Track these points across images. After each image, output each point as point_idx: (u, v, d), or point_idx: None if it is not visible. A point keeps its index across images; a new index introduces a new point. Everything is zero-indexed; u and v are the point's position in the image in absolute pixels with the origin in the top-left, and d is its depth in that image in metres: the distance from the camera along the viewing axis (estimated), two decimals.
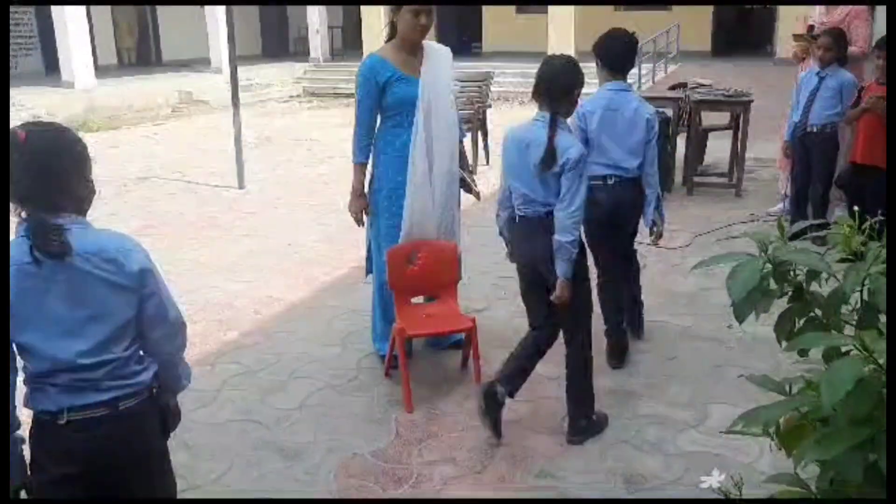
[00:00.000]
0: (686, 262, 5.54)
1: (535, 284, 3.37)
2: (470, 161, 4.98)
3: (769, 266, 1.24)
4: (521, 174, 3.21)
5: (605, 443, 3.30)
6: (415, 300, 4.06)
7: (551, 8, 18.43)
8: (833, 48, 5.75)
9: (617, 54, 3.98)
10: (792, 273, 1.28)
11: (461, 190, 4.06)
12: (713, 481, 1.30)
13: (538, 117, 3.19)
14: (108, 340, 1.89)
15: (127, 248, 1.91)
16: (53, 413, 1.86)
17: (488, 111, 9.52)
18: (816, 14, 6.57)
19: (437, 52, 3.82)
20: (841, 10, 6.31)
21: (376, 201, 3.87)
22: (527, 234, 3.27)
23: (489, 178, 7.68)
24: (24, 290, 1.79)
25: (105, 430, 1.88)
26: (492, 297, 4.98)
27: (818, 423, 1.19)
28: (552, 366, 4.02)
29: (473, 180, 4.18)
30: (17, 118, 13.04)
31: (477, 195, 4.21)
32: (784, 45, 17.38)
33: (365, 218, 3.94)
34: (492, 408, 3.26)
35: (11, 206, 1.85)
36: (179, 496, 2.27)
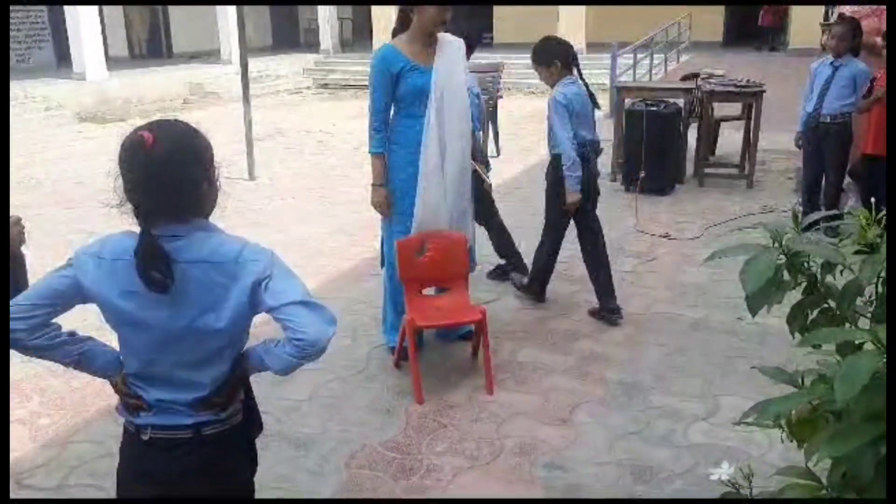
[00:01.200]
0: (697, 254, 5.51)
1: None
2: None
3: (783, 258, 1.22)
4: (590, 122, 4.35)
5: (614, 435, 3.29)
6: (427, 291, 4.06)
7: None
8: (847, 38, 5.69)
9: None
10: (806, 265, 1.26)
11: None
12: (722, 473, 1.29)
13: (571, 79, 4.29)
14: (203, 361, 1.75)
15: (245, 258, 1.70)
16: (137, 427, 1.79)
17: (499, 102, 9.50)
18: (847, 6, 6.53)
19: (450, 44, 3.81)
20: None
21: (388, 192, 3.87)
22: (586, 166, 4.34)
23: (498, 170, 7.66)
24: (129, 291, 1.67)
25: (186, 452, 1.77)
26: (501, 288, 4.97)
27: (831, 417, 1.17)
28: (560, 356, 4.02)
29: (485, 171, 4.16)
30: (28, 109, 13.13)
31: (489, 187, 4.20)
32: (799, 34, 17.27)
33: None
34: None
35: (132, 216, 1.67)
36: None
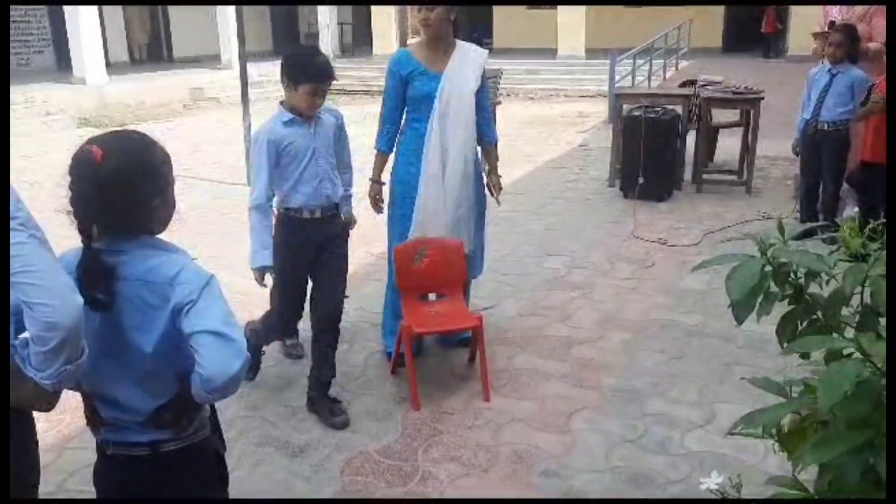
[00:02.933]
0: (695, 260, 5.51)
1: None
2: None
3: (769, 267, 1.23)
4: None
5: (610, 442, 3.29)
6: (429, 297, 4.06)
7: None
8: (844, 45, 5.72)
9: None
10: (793, 274, 1.27)
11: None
12: (711, 483, 1.30)
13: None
14: (141, 381, 1.71)
15: (178, 280, 1.62)
16: (102, 441, 1.80)
17: (497, 108, 9.52)
18: (835, 11, 6.54)
19: (466, 52, 3.85)
20: (861, 6, 6.28)
21: (391, 191, 3.95)
22: None
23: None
24: None
25: (144, 469, 1.75)
26: (499, 294, 4.98)
27: (818, 426, 1.18)
28: (557, 362, 4.02)
29: (497, 183, 4.10)
30: (28, 114, 13.15)
31: (497, 202, 4.18)
32: (798, 41, 17.32)
33: (386, 210, 4.00)
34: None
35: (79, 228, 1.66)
36: None
